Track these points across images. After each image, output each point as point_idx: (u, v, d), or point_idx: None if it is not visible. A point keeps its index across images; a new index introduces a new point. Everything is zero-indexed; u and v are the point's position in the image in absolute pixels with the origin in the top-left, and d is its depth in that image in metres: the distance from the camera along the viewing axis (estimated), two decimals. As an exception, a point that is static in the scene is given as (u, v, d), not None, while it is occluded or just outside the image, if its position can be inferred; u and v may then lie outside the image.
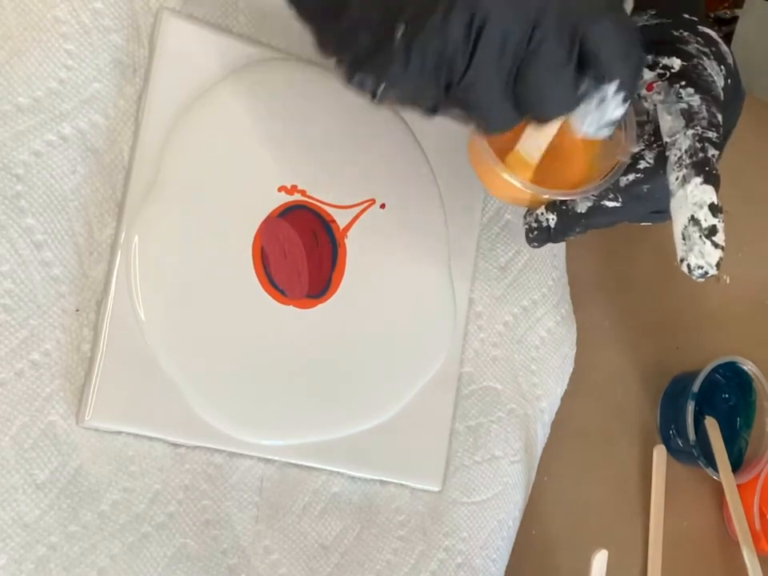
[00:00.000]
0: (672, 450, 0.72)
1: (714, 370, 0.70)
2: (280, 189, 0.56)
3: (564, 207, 0.53)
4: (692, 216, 0.48)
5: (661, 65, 0.53)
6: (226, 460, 0.55)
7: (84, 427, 0.51)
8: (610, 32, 0.42)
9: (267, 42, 0.57)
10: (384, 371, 0.58)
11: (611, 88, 0.44)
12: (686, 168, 0.49)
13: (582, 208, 0.53)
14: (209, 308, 0.54)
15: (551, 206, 0.53)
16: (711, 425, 0.71)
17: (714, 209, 0.48)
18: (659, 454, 0.72)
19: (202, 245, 0.54)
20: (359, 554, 0.58)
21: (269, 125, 0.56)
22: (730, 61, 0.54)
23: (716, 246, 0.48)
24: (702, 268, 0.48)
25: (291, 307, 0.56)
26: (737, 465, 0.72)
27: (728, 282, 0.77)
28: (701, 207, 0.48)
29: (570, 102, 0.44)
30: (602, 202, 0.52)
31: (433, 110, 0.43)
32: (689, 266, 0.48)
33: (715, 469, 0.70)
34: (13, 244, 0.50)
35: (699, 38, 0.53)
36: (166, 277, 0.53)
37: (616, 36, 0.43)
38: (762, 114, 0.79)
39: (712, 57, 0.53)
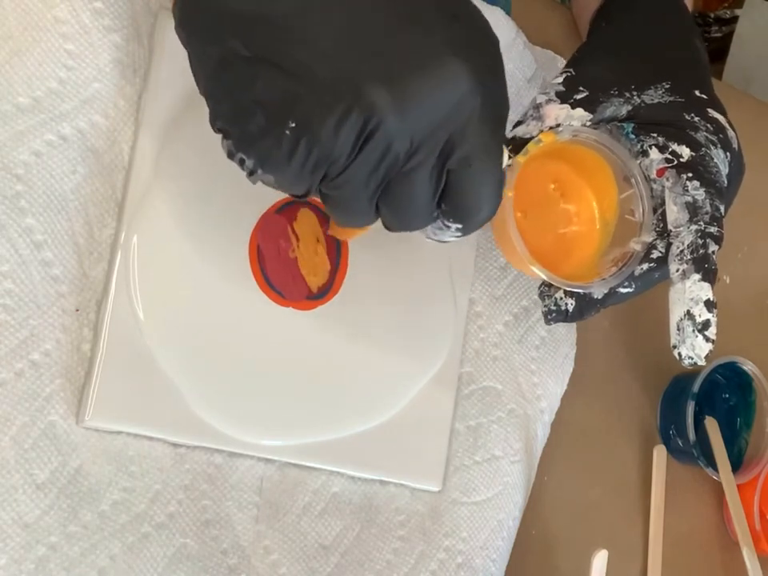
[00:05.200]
0: (672, 450, 0.72)
1: (714, 370, 0.70)
2: (279, 188, 0.56)
3: (582, 293, 0.56)
4: (688, 311, 0.51)
5: (670, 150, 0.55)
6: (226, 460, 0.55)
7: (84, 427, 0.51)
8: (479, 177, 0.43)
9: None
10: (384, 371, 0.58)
11: (455, 225, 0.45)
12: (687, 263, 0.52)
13: (598, 294, 0.56)
14: (208, 308, 0.54)
15: (570, 292, 0.56)
16: (711, 425, 0.71)
17: (710, 305, 0.52)
18: (659, 454, 0.72)
19: (201, 245, 0.54)
20: (359, 554, 0.58)
21: (269, 125, 0.56)
22: (735, 145, 0.57)
23: (707, 339, 0.51)
24: (691, 359, 0.52)
25: (290, 308, 0.56)
26: (737, 465, 0.72)
27: (728, 281, 0.77)
28: (697, 303, 0.51)
29: (422, 222, 0.45)
30: (617, 290, 0.55)
31: (303, 196, 0.44)
32: (680, 354, 0.52)
33: (715, 469, 0.70)
34: (13, 244, 0.50)
35: (709, 125, 0.55)
36: (165, 277, 0.53)
37: (482, 183, 0.44)
38: (762, 114, 0.80)
39: (719, 145, 0.55)
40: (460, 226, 0.45)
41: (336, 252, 0.58)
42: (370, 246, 0.59)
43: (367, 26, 0.41)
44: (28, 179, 0.51)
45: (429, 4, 0.42)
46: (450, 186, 0.43)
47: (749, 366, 0.72)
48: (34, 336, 0.50)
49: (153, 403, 0.52)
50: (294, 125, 0.40)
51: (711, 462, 0.70)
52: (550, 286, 0.57)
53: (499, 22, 0.65)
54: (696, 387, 0.69)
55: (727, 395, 0.74)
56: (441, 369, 0.60)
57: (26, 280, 0.50)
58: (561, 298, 0.57)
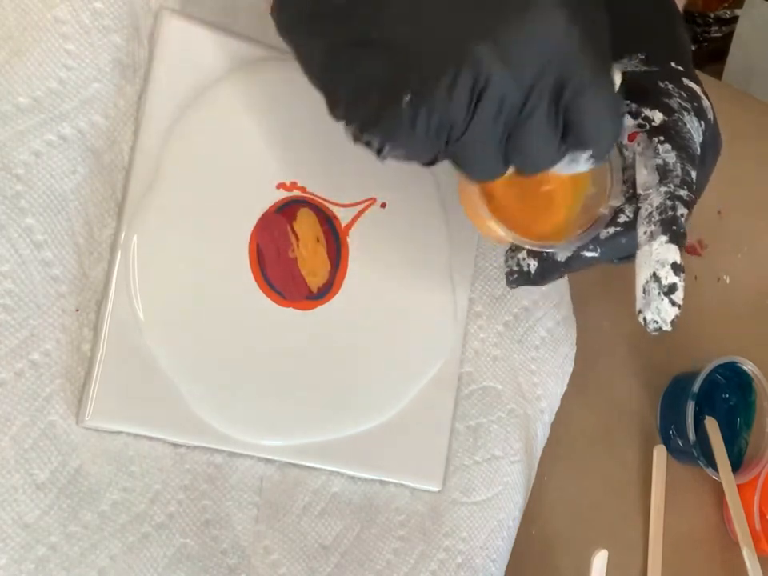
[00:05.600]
0: (672, 450, 0.72)
1: (714, 370, 0.70)
2: (279, 186, 0.56)
3: (545, 255, 0.55)
4: (654, 273, 0.50)
5: (643, 115, 0.54)
6: (226, 460, 0.55)
7: (84, 427, 0.51)
8: (594, 104, 0.44)
9: (267, 42, 0.57)
10: (384, 371, 0.58)
11: (586, 153, 0.46)
12: (655, 224, 0.51)
13: (561, 257, 0.55)
14: (208, 308, 0.54)
15: (533, 252, 0.56)
16: (711, 425, 0.71)
17: (677, 268, 0.50)
18: (659, 454, 0.72)
19: (201, 245, 0.54)
20: (359, 554, 0.58)
21: (268, 124, 0.56)
22: (710, 116, 0.56)
23: (673, 304, 0.50)
24: (656, 323, 0.50)
25: (290, 309, 0.56)
26: (737, 465, 0.72)
27: (728, 281, 0.77)
28: (663, 265, 0.50)
29: (552, 161, 0.47)
30: (581, 252, 0.54)
31: (431, 162, 0.45)
32: (645, 319, 0.51)
33: (715, 469, 0.70)
34: (13, 244, 0.50)
35: (683, 92, 0.55)
36: (165, 277, 0.53)
37: (598, 108, 0.45)
38: (761, 113, 0.80)
39: (693, 112, 0.55)
40: (590, 152, 0.46)
41: (336, 252, 0.58)
42: (370, 246, 0.59)
43: None
44: (28, 179, 0.51)
45: None
46: (570, 120, 0.44)
47: (749, 366, 0.72)
48: (34, 336, 0.50)
49: (153, 403, 0.52)
50: (409, 97, 0.41)
51: (711, 462, 0.70)
52: (515, 249, 0.56)
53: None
54: (696, 387, 0.69)
55: (727, 395, 0.74)
56: (441, 369, 0.60)
57: (25, 280, 0.50)
58: (523, 259, 0.56)
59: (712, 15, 1.32)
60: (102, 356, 0.51)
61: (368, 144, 0.44)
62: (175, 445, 0.54)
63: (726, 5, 1.31)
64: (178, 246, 0.53)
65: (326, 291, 0.57)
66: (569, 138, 0.45)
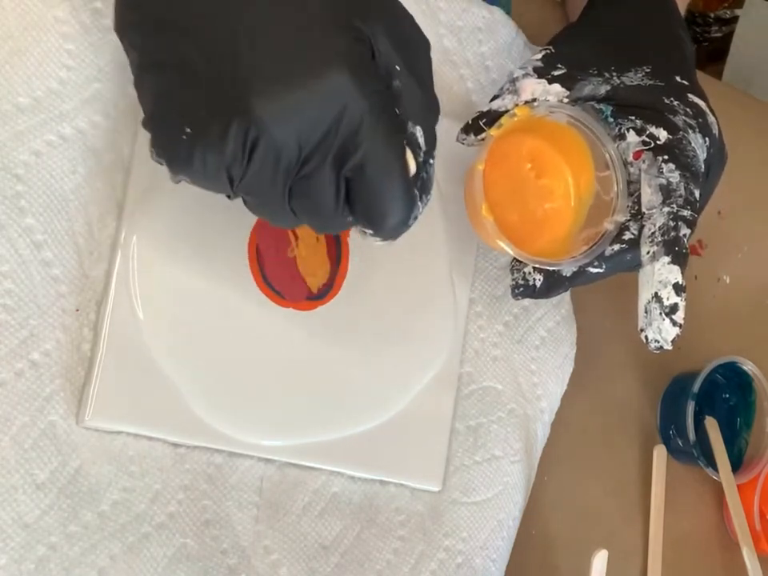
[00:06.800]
0: (672, 450, 0.72)
1: (714, 370, 0.70)
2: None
3: (551, 270, 0.55)
4: (656, 293, 0.51)
5: (648, 132, 0.54)
6: (226, 460, 0.55)
7: (84, 427, 0.51)
8: (374, 187, 0.43)
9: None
10: (384, 371, 0.58)
11: (368, 232, 0.45)
12: (657, 245, 0.52)
13: (567, 272, 0.55)
14: (208, 308, 0.54)
15: (539, 268, 0.56)
16: (711, 425, 0.71)
17: (678, 288, 0.51)
18: (659, 454, 0.72)
19: (201, 245, 0.54)
20: (359, 554, 0.58)
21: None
22: (715, 131, 0.56)
23: (674, 323, 0.51)
24: (658, 342, 0.51)
25: (290, 309, 0.56)
26: (737, 465, 0.72)
27: (728, 281, 0.77)
28: (665, 286, 0.51)
29: (339, 226, 0.46)
30: (586, 268, 0.55)
31: (228, 197, 0.45)
32: (646, 337, 0.52)
33: (715, 469, 0.70)
34: (13, 244, 0.50)
35: (688, 109, 0.55)
36: (165, 277, 0.53)
37: (378, 192, 0.43)
38: (761, 113, 0.80)
39: (698, 129, 0.55)
40: (371, 231, 0.45)
41: (336, 252, 0.58)
42: (370, 246, 0.58)
43: (259, 34, 0.41)
44: (28, 179, 0.51)
45: (325, 16, 0.42)
46: (352, 192, 0.43)
47: (749, 366, 0.72)
48: (34, 336, 0.50)
49: (153, 403, 0.52)
50: (189, 130, 0.41)
51: (711, 462, 0.70)
52: (521, 263, 0.57)
53: (499, 22, 0.65)
54: (696, 387, 0.69)
55: (727, 395, 0.74)
56: (441, 369, 0.60)
57: (26, 280, 0.50)
58: (529, 273, 0.56)
59: (712, 15, 1.32)
60: (101, 356, 0.51)
61: (160, 164, 0.44)
62: (175, 445, 0.54)
63: (726, 5, 1.31)
64: (177, 246, 0.53)
65: (325, 291, 0.57)
66: (355, 208, 0.44)
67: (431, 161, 0.45)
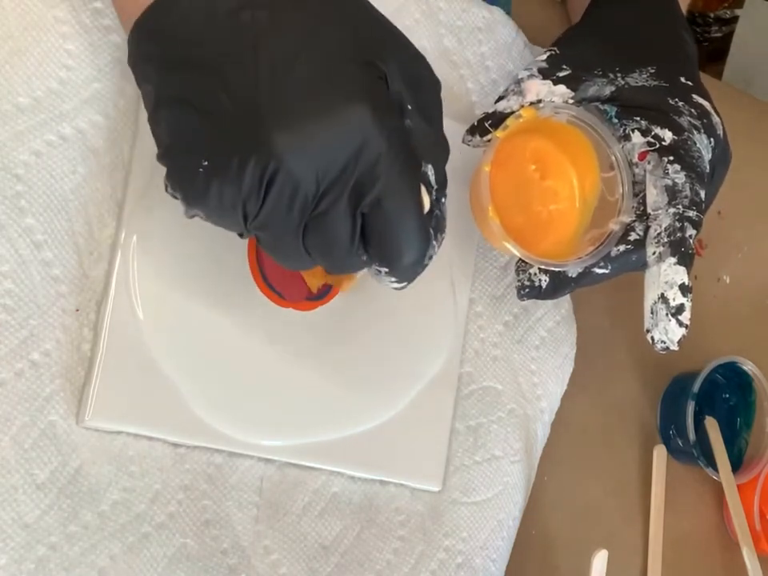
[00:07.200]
0: (672, 450, 0.72)
1: (714, 370, 0.70)
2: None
3: (557, 271, 0.56)
4: (662, 294, 0.51)
5: (653, 133, 0.54)
6: (226, 460, 0.55)
7: (84, 427, 0.51)
8: (390, 224, 0.43)
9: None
10: (384, 371, 0.58)
11: (383, 271, 0.45)
12: (663, 246, 0.52)
13: (573, 273, 0.55)
14: (208, 308, 0.54)
15: (545, 269, 0.56)
16: (711, 425, 0.71)
17: (684, 289, 0.51)
18: (659, 454, 0.72)
19: (201, 245, 0.54)
20: (359, 554, 0.58)
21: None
22: (720, 131, 0.56)
23: (680, 324, 0.51)
24: (664, 343, 0.51)
25: (290, 309, 0.56)
26: (737, 465, 0.72)
27: (728, 282, 0.77)
28: (671, 287, 0.51)
29: (353, 266, 0.45)
30: (592, 269, 0.55)
31: (240, 235, 0.45)
32: (652, 338, 0.52)
33: (715, 469, 0.70)
34: (13, 244, 0.50)
35: (693, 110, 0.55)
36: (165, 277, 0.53)
37: (394, 229, 0.43)
38: (762, 113, 0.80)
39: (702, 130, 0.55)
40: (387, 270, 0.45)
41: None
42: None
43: (280, 70, 0.41)
44: (28, 179, 0.51)
45: (344, 53, 0.42)
46: (367, 229, 0.43)
47: (749, 366, 0.72)
48: (34, 336, 0.50)
49: (153, 403, 0.52)
50: (206, 163, 0.41)
51: (711, 462, 0.70)
52: (527, 263, 0.57)
53: (499, 22, 0.65)
54: (696, 387, 0.69)
55: (727, 395, 0.74)
56: (441, 369, 0.60)
57: (26, 280, 0.50)
58: (535, 274, 0.56)
59: (712, 15, 1.32)
60: (101, 356, 0.51)
61: (174, 197, 0.44)
62: (175, 445, 0.54)
63: (726, 5, 1.31)
64: (177, 246, 0.53)
65: (325, 292, 0.57)
66: (368, 247, 0.44)
67: (443, 199, 0.45)
